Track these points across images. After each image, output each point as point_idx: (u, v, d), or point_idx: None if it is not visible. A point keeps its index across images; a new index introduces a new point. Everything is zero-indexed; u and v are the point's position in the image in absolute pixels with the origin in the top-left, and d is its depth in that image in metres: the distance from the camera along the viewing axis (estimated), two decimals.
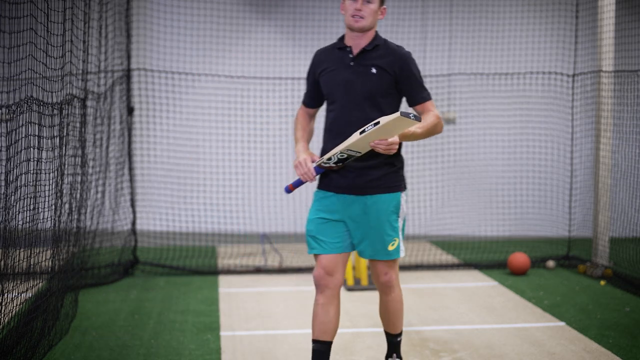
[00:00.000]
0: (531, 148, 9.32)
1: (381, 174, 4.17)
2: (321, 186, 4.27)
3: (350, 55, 4.20)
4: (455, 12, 9.34)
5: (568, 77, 8.54)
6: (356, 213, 4.19)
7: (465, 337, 5.45)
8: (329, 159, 4.10)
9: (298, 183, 4.20)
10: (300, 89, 8.92)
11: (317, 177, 4.24)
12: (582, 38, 8.28)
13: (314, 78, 4.33)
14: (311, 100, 4.40)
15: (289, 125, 9.18)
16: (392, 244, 4.21)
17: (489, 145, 9.35)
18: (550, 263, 7.84)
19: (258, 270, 7.66)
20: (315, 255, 4.23)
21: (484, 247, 8.67)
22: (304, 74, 8.98)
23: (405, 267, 7.70)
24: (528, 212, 9.33)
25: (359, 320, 5.91)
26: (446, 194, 9.21)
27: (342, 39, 4.27)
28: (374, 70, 4.17)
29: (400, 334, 4.48)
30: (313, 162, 4.18)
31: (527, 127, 9.21)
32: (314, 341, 4.22)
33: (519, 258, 7.53)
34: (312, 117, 4.46)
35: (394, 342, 4.48)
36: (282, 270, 7.68)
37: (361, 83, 4.16)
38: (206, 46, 9.01)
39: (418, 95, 4.19)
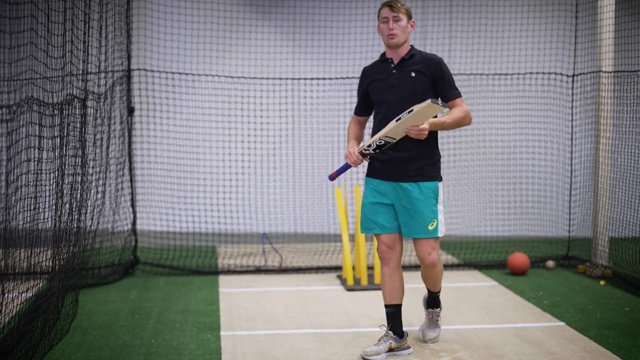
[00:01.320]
0: (531, 148, 9.33)
1: (421, 165, 4.95)
2: (370, 174, 5.08)
3: (392, 65, 5.03)
4: (455, 12, 9.35)
5: (568, 78, 8.55)
6: (401, 198, 4.97)
7: (464, 337, 5.46)
8: (369, 145, 4.87)
9: (341, 171, 5.03)
10: (300, 89, 8.94)
11: (364, 162, 5.04)
12: (581, 38, 8.29)
13: (363, 90, 5.15)
14: (361, 110, 5.22)
15: (289, 126, 9.19)
16: (432, 225, 4.95)
17: (489, 145, 9.36)
18: (550, 263, 7.85)
19: (258, 270, 7.67)
20: (376, 235, 5.08)
21: (483, 247, 8.67)
22: (304, 74, 9.01)
23: (405, 267, 7.70)
24: (528, 212, 9.34)
25: (359, 320, 5.92)
26: (446, 194, 9.22)
27: (383, 54, 5.10)
28: (413, 74, 4.96)
29: (439, 292, 5.35)
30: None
31: (527, 127, 9.21)
32: (387, 306, 5.12)
33: (519, 258, 7.54)
34: (362, 125, 5.26)
35: (434, 297, 5.35)
36: (282, 270, 7.68)
37: (404, 85, 4.96)
38: (206, 46, 9.01)
39: (449, 93, 4.96)
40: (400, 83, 4.95)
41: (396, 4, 4.94)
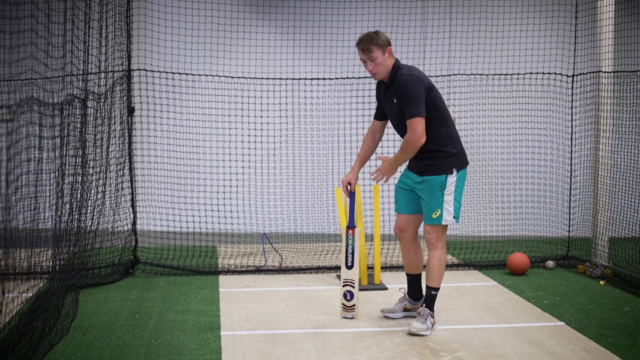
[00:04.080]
0: (531, 148, 9.33)
1: (433, 161, 5.48)
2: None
3: (384, 90, 5.58)
4: (455, 13, 9.35)
5: (568, 78, 8.56)
6: (419, 187, 5.57)
7: (464, 337, 5.46)
8: None
9: (351, 209, 5.85)
10: (300, 89, 8.94)
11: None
12: (581, 39, 8.29)
13: (378, 100, 5.74)
14: (379, 115, 5.78)
15: (289, 126, 9.20)
16: (435, 213, 5.48)
17: (488, 145, 9.36)
18: (550, 263, 7.85)
19: (258, 270, 7.67)
20: (397, 213, 5.79)
21: (483, 247, 8.68)
22: (304, 74, 9.02)
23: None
24: (528, 212, 9.34)
25: (358, 320, 5.92)
26: None
27: None
28: (395, 100, 5.46)
29: (435, 289, 5.58)
30: (349, 184, 5.72)
31: (527, 127, 9.22)
32: (407, 274, 5.92)
33: (519, 258, 7.54)
34: (378, 130, 5.81)
35: (428, 294, 5.60)
36: (282, 270, 7.69)
37: (393, 111, 5.53)
38: (206, 46, 9.01)
39: (407, 112, 5.36)
40: (390, 108, 5.55)
41: (367, 46, 5.36)
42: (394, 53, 5.65)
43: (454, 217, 5.52)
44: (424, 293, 6.00)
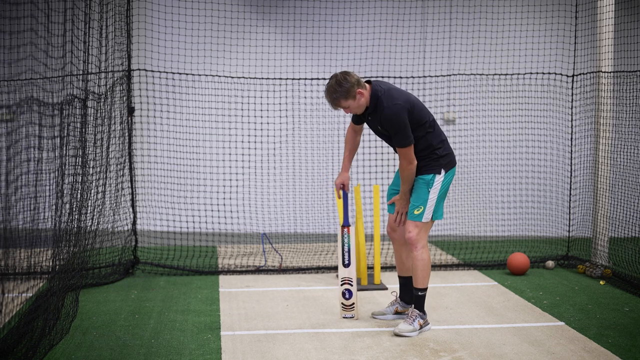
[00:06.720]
0: (531, 148, 9.33)
1: (424, 163, 5.51)
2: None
3: (366, 113, 5.50)
4: (455, 13, 9.35)
5: (568, 78, 8.56)
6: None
7: (464, 337, 5.46)
8: None
9: (345, 209, 5.91)
10: (300, 89, 8.93)
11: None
12: (581, 39, 8.29)
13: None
14: (357, 120, 5.68)
15: (289, 126, 9.19)
16: (418, 210, 5.51)
17: (488, 145, 9.36)
18: (550, 263, 7.85)
19: (258, 270, 7.67)
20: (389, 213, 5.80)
21: (483, 247, 8.68)
22: (304, 75, 9.01)
23: None
24: (528, 212, 9.34)
25: (358, 320, 5.93)
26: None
27: None
28: (379, 127, 5.48)
29: (421, 290, 5.56)
30: (343, 185, 5.77)
31: (527, 128, 9.22)
32: (399, 277, 5.89)
33: (519, 258, 7.54)
34: (358, 131, 5.77)
35: (416, 295, 5.59)
36: (282, 270, 7.69)
37: (380, 134, 5.57)
38: (206, 46, 9.01)
39: (397, 143, 5.41)
40: (375, 128, 5.54)
41: (334, 103, 5.33)
42: (372, 83, 5.46)
43: (432, 216, 5.54)
44: None
